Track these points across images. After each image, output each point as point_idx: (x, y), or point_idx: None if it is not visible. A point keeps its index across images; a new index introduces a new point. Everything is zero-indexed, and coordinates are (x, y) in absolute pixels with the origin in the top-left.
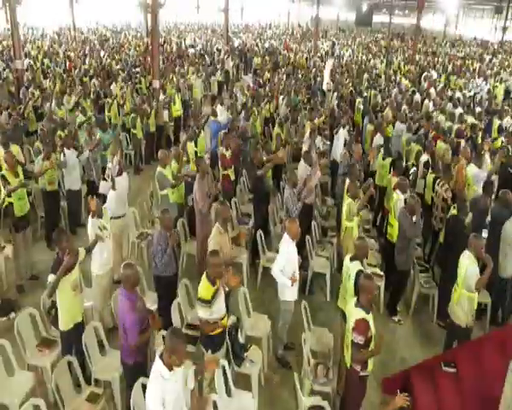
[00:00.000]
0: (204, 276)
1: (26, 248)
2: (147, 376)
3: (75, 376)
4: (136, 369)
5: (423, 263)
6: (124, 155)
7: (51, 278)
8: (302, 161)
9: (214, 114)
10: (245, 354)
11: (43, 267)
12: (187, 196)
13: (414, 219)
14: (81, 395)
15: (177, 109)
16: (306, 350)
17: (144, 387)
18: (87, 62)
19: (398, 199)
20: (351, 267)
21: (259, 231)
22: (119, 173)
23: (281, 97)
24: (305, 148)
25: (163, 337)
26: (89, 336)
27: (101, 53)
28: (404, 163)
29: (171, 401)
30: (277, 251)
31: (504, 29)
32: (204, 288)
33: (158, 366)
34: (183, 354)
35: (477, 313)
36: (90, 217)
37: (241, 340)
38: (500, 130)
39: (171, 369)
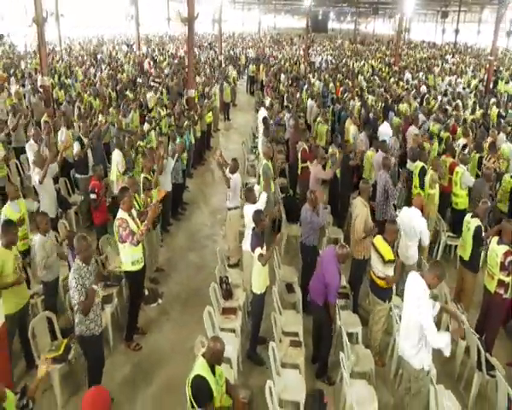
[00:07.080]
0: (381, 241)
1: (156, 244)
2: None
3: None
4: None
5: None
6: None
7: (258, 251)
8: (380, 150)
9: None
10: None
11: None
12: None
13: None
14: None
15: (209, 116)
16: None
17: None
18: (97, 77)
19: (463, 171)
20: (471, 222)
21: None
22: (234, 171)
23: (309, 100)
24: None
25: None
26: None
27: (103, 67)
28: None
29: None
30: None
31: (457, 31)
32: (387, 251)
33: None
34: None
35: None
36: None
37: None
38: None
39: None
